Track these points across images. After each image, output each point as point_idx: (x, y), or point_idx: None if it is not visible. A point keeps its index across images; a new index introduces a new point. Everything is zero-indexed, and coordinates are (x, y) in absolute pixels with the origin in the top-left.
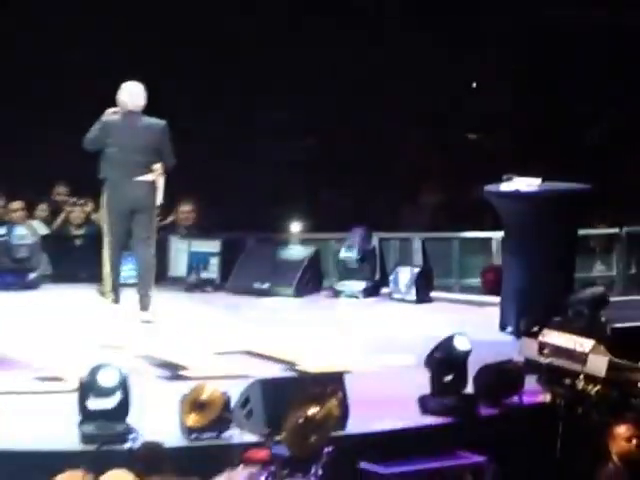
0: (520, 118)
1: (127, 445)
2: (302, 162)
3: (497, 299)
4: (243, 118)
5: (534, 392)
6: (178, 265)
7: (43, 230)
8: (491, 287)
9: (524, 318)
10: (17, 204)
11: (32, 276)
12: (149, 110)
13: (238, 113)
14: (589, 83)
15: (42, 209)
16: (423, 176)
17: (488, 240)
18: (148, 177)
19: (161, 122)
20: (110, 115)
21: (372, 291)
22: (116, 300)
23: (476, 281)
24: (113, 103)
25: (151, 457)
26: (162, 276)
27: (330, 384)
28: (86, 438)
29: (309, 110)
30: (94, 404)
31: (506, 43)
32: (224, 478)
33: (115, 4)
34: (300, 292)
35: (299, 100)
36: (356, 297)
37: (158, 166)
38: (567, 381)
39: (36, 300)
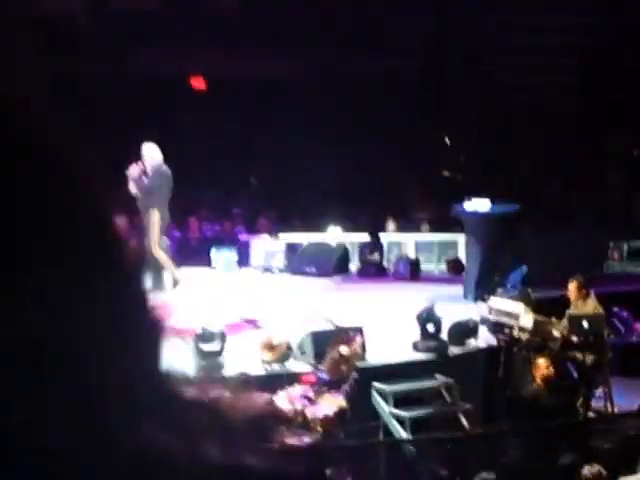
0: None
1: (224, 373)
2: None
3: (461, 278)
4: None
5: (486, 338)
6: (257, 257)
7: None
8: (454, 271)
9: (478, 290)
10: None
11: None
12: None
13: None
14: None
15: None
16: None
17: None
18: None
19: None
20: (157, 166)
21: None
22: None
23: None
24: None
25: (244, 380)
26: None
27: (354, 333)
28: (199, 368)
29: None
30: (205, 347)
31: None
32: (285, 393)
33: None
34: (333, 274)
35: None
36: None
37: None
38: (507, 331)
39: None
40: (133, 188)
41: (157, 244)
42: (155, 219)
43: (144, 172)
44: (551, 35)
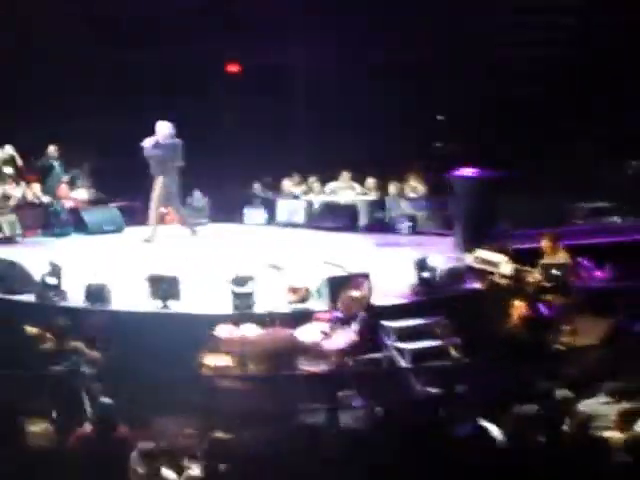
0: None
1: (256, 310)
2: None
3: (451, 233)
4: None
5: (472, 283)
6: (282, 214)
7: None
8: (446, 227)
9: (465, 243)
10: None
11: (204, 219)
12: None
13: None
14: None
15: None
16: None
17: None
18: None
19: (179, 140)
20: (162, 140)
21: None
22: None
23: None
24: None
25: (270, 317)
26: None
27: (364, 279)
28: (234, 307)
29: None
30: (238, 290)
31: None
32: (306, 328)
33: None
34: (348, 229)
35: None
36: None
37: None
38: (489, 277)
39: (205, 231)
40: (147, 156)
41: (155, 201)
42: (157, 185)
43: (156, 144)
44: None
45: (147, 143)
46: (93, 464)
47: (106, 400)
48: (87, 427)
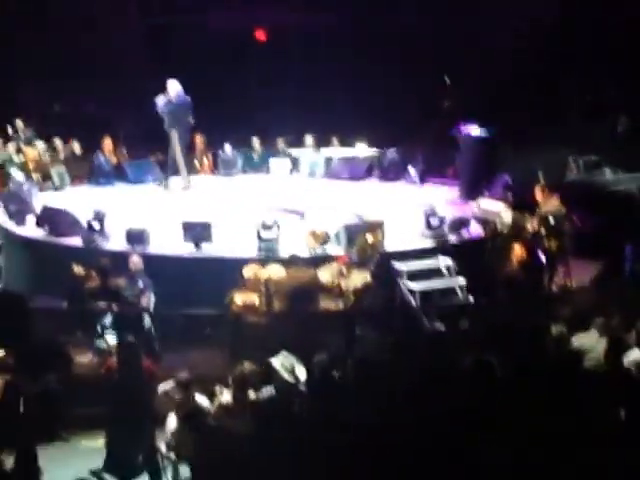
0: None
1: (280, 254)
2: None
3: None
4: None
5: (476, 230)
6: (305, 166)
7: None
8: (452, 178)
9: (470, 193)
10: None
11: (233, 170)
12: None
13: None
14: None
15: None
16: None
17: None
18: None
19: (189, 97)
20: (174, 97)
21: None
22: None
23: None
24: None
25: (293, 259)
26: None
27: (377, 225)
28: (259, 251)
29: None
30: (264, 234)
31: None
32: (326, 267)
33: None
34: (363, 178)
35: None
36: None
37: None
38: (491, 225)
39: (235, 183)
40: (160, 113)
41: (178, 154)
42: (174, 138)
43: (168, 102)
44: None
45: (160, 101)
46: (123, 391)
47: (130, 338)
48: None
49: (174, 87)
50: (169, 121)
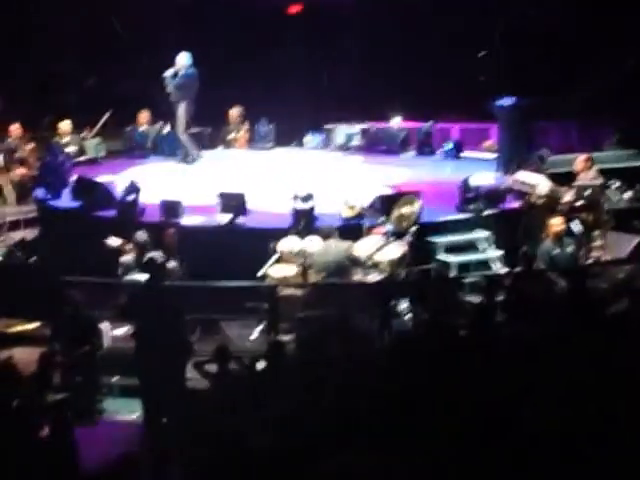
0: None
1: (316, 225)
2: None
3: (493, 156)
4: None
5: (512, 202)
6: (340, 139)
7: None
8: (489, 151)
9: (507, 166)
10: None
11: (269, 144)
12: None
13: None
14: None
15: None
16: None
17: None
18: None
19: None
20: (184, 70)
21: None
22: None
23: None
24: None
25: (328, 230)
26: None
27: (414, 197)
28: (295, 223)
29: None
30: (299, 205)
31: None
32: (362, 241)
33: None
34: (398, 152)
35: None
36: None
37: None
38: (527, 197)
39: (271, 156)
40: (167, 86)
41: (183, 129)
42: (181, 111)
43: (176, 74)
44: None
45: (168, 73)
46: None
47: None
48: None
49: (183, 59)
50: (176, 94)
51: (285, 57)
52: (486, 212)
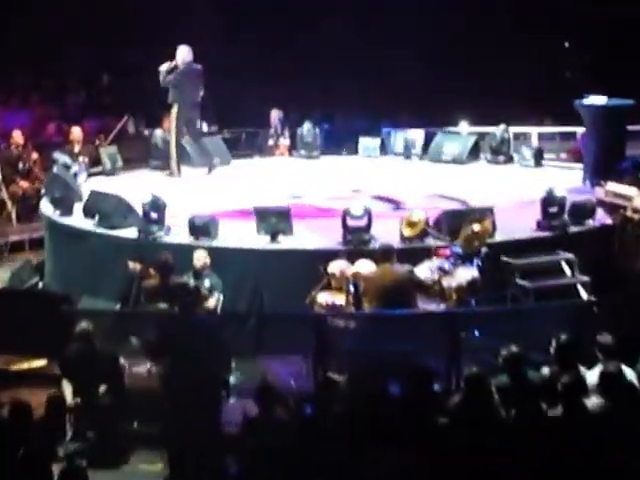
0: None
1: (370, 246)
2: None
3: (579, 165)
4: None
5: (602, 218)
6: (398, 145)
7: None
8: (574, 159)
9: (595, 176)
10: None
11: (314, 152)
12: None
13: None
14: None
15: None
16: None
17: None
18: (199, 100)
19: (201, 66)
20: (182, 66)
21: (508, 161)
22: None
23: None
24: None
25: (386, 252)
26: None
27: (486, 213)
28: (347, 242)
29: None
30: (352, 223)
31: None
32: (425, 264)
33: None
34: (468, 161)
35: None
36: (498, 164)
37: (202, 92)
38: (620, 212)
39: (316, 165)
40: (161, 81)
41: (175, 136)
42: (174, 114)
43: (172, 70)
44: None
45: (163, 67)
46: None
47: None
48: None
49: (183, 53)
50: (171, 94)
51: (333, 48)
52: (572, 229)
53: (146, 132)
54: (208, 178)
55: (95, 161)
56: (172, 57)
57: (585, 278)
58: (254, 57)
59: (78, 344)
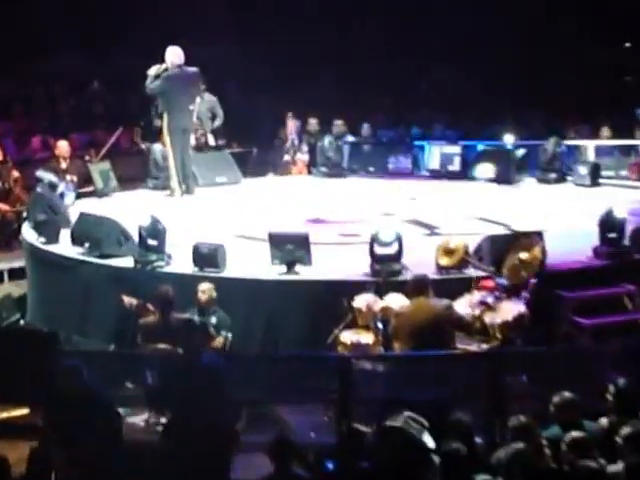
0: None
1: (401, 277)
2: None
3: None
4: None
5: None
6: (433, 161)
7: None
8: (636, 176)
9: None
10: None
11: (338, 169)
12: None
13: None
14: None
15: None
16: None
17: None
18: (193, 107)
19: (197, 69)
20: (170, 69)
21: (560, 179)
22: (188, 191)
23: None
24: None
25: (420, 284)
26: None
27: (535, 238)
28: (375, 273)
29: None
30: (380, 251)
31: None
32: (465, 298)
33: None
34: (513, 179)
35: None
36: (549, 183)
37: (198, 99)
38: None
39: (340, 185)
40: (147, 87)
41: (172, 148)
42: (164, 124)
43: (162, 75)
44: None
45: (152, 71)
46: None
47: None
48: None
49: (171, 55)
50: (162, 102)
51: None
52: (634, 257)
53: (143, 146)
54: (217, 199)
55: (85, 180)
56: (162, 59)
57: None
58: (267, 58)
59: (66, 386)
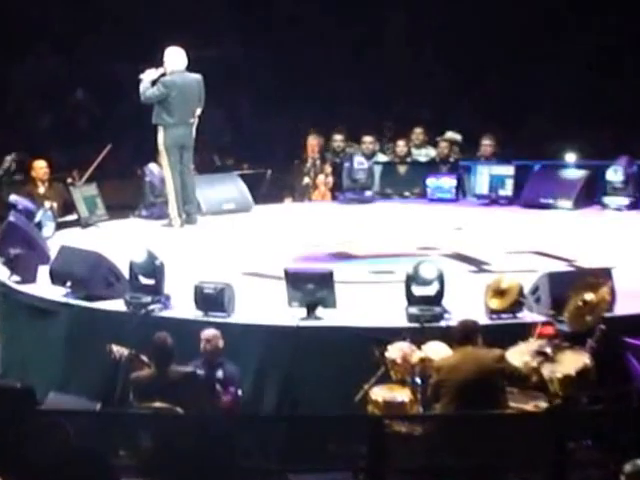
0: None
1: (443, 323)
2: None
3: None
4: None
5: None
6: (481, 185)
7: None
8: None
9: None
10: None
11: (368, 193)
12: None
13: None
14: None
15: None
16: None
17: None
18: (194, 120)
19: (199, 75)
20: (169, 75)
21: (634, 205)
22: (189, 221)
23: None
24: None
25: (467, 331)
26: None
27: (602, 276)
28: (411, 317)
29: None
30: (418, 291)
31: None
32: (520, 347)
33: None
34: (577, 205)
35: None
36: (620, 210)
37: (199, 111)
38: None
39: (371, 212)
40: (141, 95)
41: (171, 170)
42: (160, 140)
43: (159, 80)
44: None
45: (147, 77)
46: None
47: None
48: None
49: (172, 58)
50: (157, 112)
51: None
52: None
53: (139, 171)
54: (223, 230)
55: (67, 206)
56: (160, 63)
57: None
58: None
59: (49, 448)
